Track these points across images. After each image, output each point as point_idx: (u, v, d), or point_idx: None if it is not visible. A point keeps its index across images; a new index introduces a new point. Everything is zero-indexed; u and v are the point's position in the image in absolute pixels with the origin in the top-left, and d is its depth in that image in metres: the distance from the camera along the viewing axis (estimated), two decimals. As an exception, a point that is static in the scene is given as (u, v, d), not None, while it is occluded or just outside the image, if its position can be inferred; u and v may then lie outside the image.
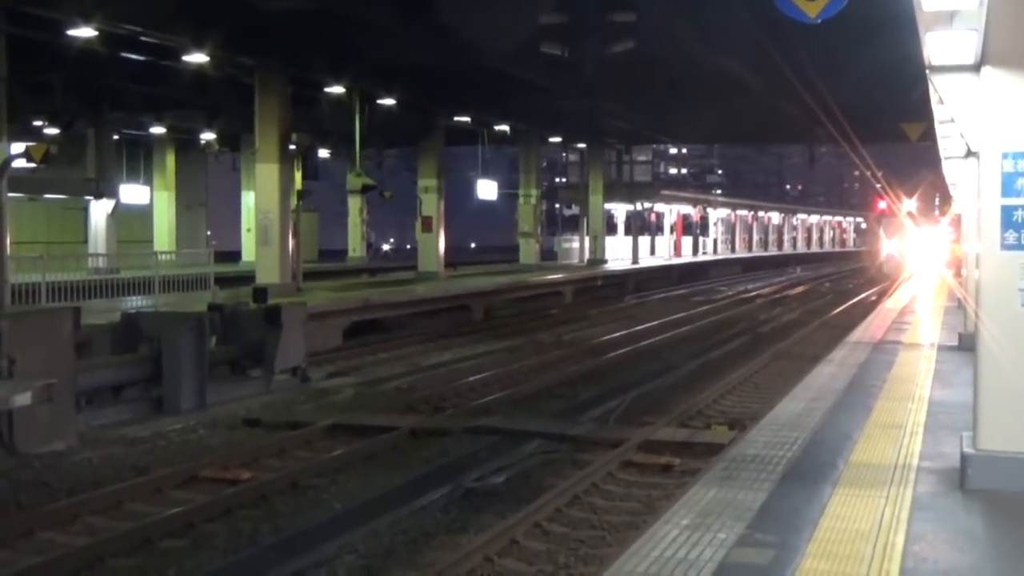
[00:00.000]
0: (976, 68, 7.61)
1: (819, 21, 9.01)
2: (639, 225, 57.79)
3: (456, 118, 39.57)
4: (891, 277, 47.89)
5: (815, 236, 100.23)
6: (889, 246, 54.84)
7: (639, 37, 22.11)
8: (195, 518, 10.62)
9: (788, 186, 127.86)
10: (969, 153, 11.49)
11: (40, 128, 34.26)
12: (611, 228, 57.36)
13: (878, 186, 51.42)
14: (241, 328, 19.20)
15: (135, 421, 15.81)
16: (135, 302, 23.44)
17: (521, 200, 48.63)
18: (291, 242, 27.75)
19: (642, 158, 59.93)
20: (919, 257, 47.88)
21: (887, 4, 8.53)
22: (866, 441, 9.24)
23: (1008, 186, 7.53)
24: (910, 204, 49.39)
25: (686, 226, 68.20)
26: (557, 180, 72.69)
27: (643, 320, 31.07)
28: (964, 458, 7.66)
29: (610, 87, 31.44)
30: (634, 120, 43.76)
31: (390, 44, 26.25)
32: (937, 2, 6.36)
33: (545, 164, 66.66)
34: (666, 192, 63.16)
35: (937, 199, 50.80)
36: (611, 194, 53.48)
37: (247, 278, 28.55)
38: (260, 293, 20.54)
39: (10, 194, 23.57)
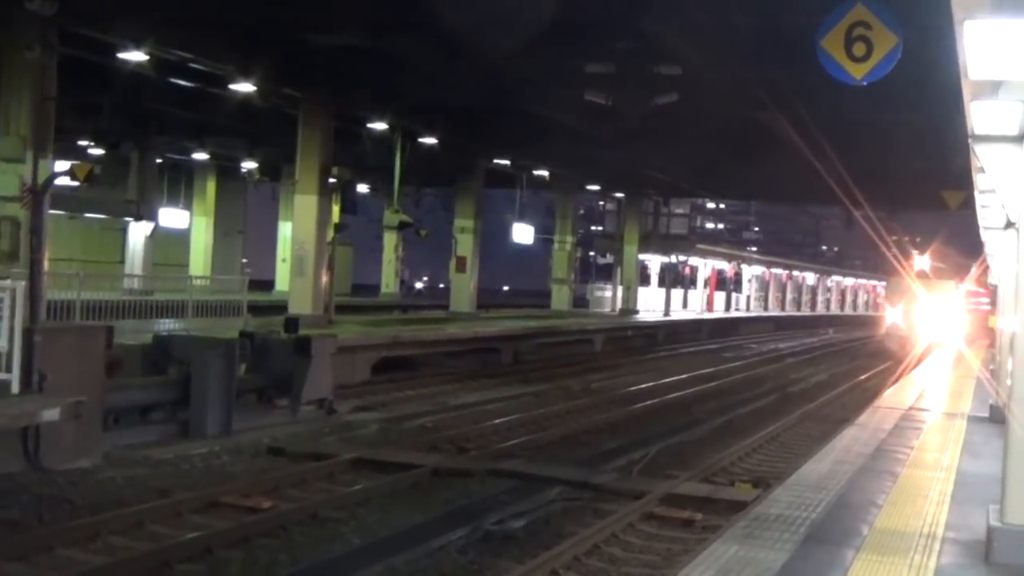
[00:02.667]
0: (1020, 139, 7.59)
1: (865, 83, 9.01)
2: (673, 277, 57.70)
3: (496, 160, 39.74)
4: (896, 354, 39.53)
5: (849, 298, 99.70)
6: (893, 314, 44.78)
7: (683, 90, 22.17)
8: (213, 544, 10.63)
9: (824, 247, 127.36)
10: (1009, 224, 11.43)
11: (85, 148, 34.67)
12: (644, 279, 57.27)
13: (886, 244, 42.57)
14: (271, 357, 19.27)
15: (160, 443, 15.87)
16: (168, 325, 23.54)
17: (556, 246, 48.67)
18: (325, 274, 27.83)
19: (679, 211, 59.94)
20: (932, 328, 41.11)
21: (931, 70, 8.52)
22: (891, 508, 9.15)
23: (1047, 259, 7.49)
24: (921, 263, 44.10)
25: (720, 281, 68.03)
26: (593, 228, 72.72)
27: (672, 372, 30.94)
28: (990, 531, 7.57)
29: (652, 138, 31.45)
30: (673, 173, 43.77)
31: (434, 83, 26.42)
32: (983, 72, 6.35)
33: (582, 211, 66.78)
34: (702, 246, 63.07)
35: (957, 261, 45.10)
36: (646, 245, 53.44)
37: (280, 307, 28.65)
38: (291, 323, 20.60)
39: (51, 211, 23.87)
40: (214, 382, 17.06)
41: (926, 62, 8.46)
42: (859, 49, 8.78)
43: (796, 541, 7.75)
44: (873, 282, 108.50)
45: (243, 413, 17.78)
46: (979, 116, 7.49)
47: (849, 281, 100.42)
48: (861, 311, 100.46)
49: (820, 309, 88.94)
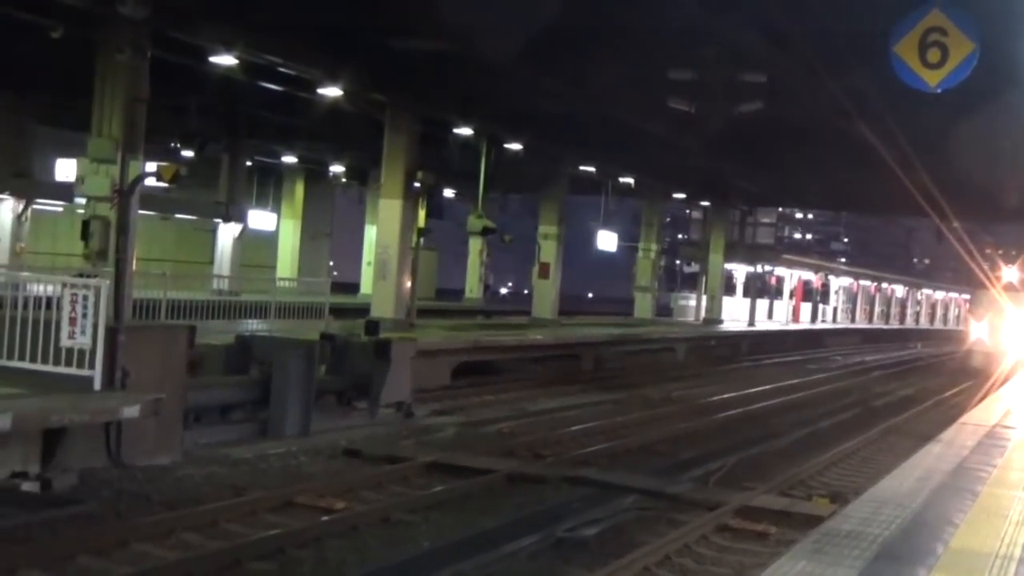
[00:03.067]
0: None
1: (939, 91, 8.83)
2: (758, 287, 57.15)
3: (581, 167, 39.71)
4: (980, 372, 37.07)
5: (939, 312, 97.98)
6: (978, 329, 42.10)
7: (768, 98, 21.97)
8: (286, 543, 10.72)
9: (915, 259, 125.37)
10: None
11: (178, 150, 35.31)
12: (730, 288, 56.82)
13: (971, 255, 40.43)
14: (351, 359, 19.41)
15: (239, 442, 16.06)
16: (252, 325, 23.85)
17: (640, 254, 48.48)
18: (407, 278, 28.00)
19: (766, 220, 59.46)
20: (1020, 344, 37.43)
21: (1015, 77, 8.33)
22: (968, 527, 8.94)
23: None
24: (1009, 274, 41.27)
25: (806, 292, 67.26)
26: (680, 236, 72.35)
27: (755, 383, 30.63)
28: (1069, 553, 7.37)
29: (737, 147, 31.26)
30: (760, 182, 43.42)
31: (520, 90, 26.48)
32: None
33: (669, 219, 66.42)
34: (788, 256, 62.43)
35: None
36: (732, 254, 53.01)
37: (364, 310, 28.87)
38: (372, 326, 20.74)
39: (143, 212, 24.33)
40: (293, 383, 17.23)
41: (1008, 69, 8.27)
42: (934, 55, 8.60)
43: (866, 559, 7.59)
44: (964, 295, 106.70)
45: (322, 414, 17.93)
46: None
47: (939, 294, 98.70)
48: (952, 325, 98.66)
49: (909, 322, 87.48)
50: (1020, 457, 13.14)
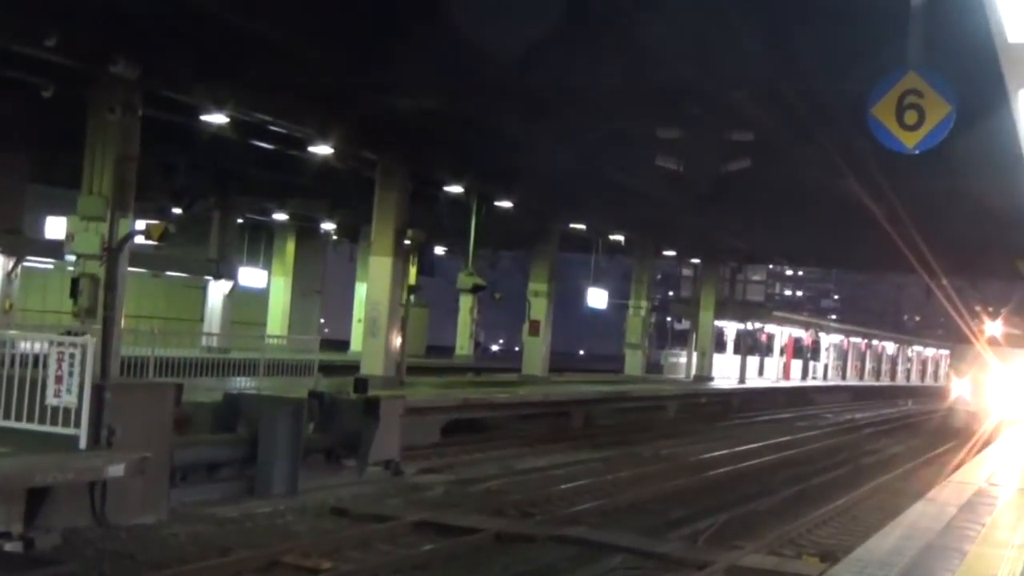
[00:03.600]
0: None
1: (917, 152, 8.91)
2: (749, 345, 57.16)
3: (571, 224, 39.85)
4: (962, 432, 35.51)
5: (929, 369, 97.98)
6: (959, 386, 40.47)
7: (756, 157, 22.13)
8: (271, 603, 10.64)
9: (906, 316, 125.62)
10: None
11: (170, 208, 35.37)
12: (720, 345, 56.82)
13: (955, 309, 38.31)
14: (339, 417, 19.35)
15: (226, 501, 15.96)
16: (240, 383, 23.79)
17: (631, 311, 48.50)
18: (397, 335, 27.97)
19: (756, 277, 59.48)
20: (1004, 403, 35.36)
21: (996, 138, 8.42)
22: (957, 586, 8.91)
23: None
24: (992, 328, 38.81)
25: (797, 349, 67.29)
26: (670, 293, 72.48)
27: (745, 441, 30.58)
28: (1057, 613, 7.34)
29: (726, 204, 31.41)
30: (750, 239, 43.58)
31: (511, 147, 26.62)
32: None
33: (659, 277, 66.56)
34: (778, 314, 62.60)
35: None
36: (722, 311, 53.05)
37: (354, 367, 28.80)
38: (361, 384, 20.70)
39: (133, 269, 24.34)
40: (281, 441, 17.16)
41: (990, 130, 8.37)
42: (911, 117, 8.70)
43: (854, 618, 7.56)
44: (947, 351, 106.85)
45: (310, 472, 17.84)
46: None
47: (930, 351, 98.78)
48: (943, 382, 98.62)
49: (900, 379, 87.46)
50: (1008, 516, 13.11)
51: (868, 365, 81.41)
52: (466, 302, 50.06)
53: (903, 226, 25.54)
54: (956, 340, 42.08)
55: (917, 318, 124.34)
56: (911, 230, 25.86)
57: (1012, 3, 4.17)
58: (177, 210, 34.98)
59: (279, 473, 17.06)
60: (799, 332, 66.80)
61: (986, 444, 24.68)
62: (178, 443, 15.29)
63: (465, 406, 26.56)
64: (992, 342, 37.71)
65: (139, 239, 18.16)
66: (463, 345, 51.95)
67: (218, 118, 22.62)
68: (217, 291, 38.38)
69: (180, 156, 29.54)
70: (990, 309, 41.33)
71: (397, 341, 28.03)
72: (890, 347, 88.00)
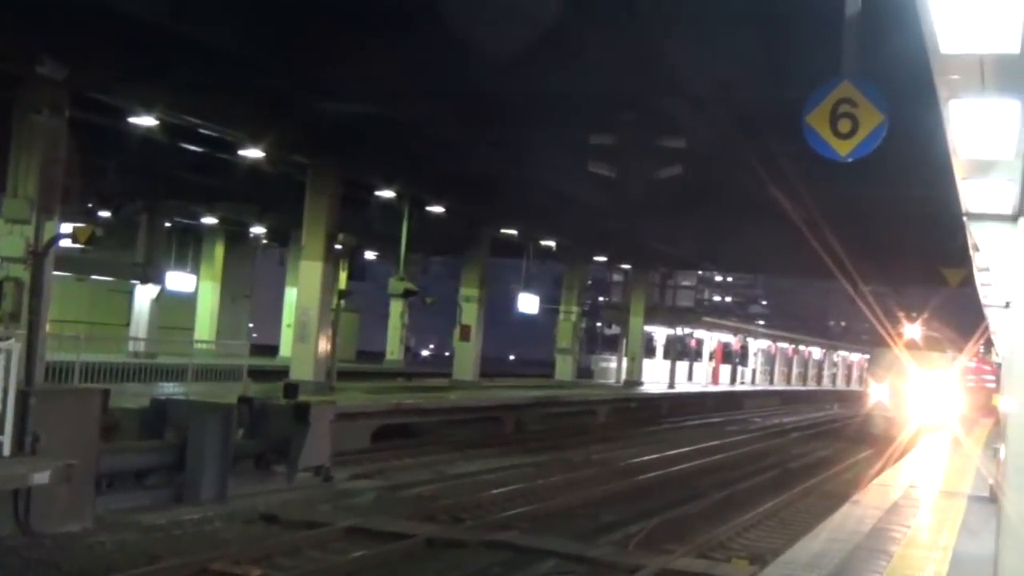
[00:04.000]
0: (1014, 218, 7.57)
1: (850, 160, 9.05)
2: (678, 350, 57.58)
3: (503, 230, 39.88)
4: (882, 437, 34.66)
5: (856, 373, 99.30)
6: (877, 391, 38.66)
7: (688, 163, 22.28)
8: (199, 612, 10.51)
9: (832, 321, 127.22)
10: (1008, 304, 11.39)
11: (97, 210, 34.86)
12: (650, 351, 57.17)
13: (872, 312, 37.15)
14: (269, 422, 19.20)
15: (153, 508, 15.75)
16: (168, 388, 23.52)
17: (561, 316, 48.65)
18: (328, 340, 27.80)
19: (686, 283, 59.99)
20: (924, 407, 35.18)
21: (926, 147, 8.56)
22: (884, 588, 9.03)
23: (1041, 340, 7.40)
24: (911, 331, 37.70)
25: (726, 354, 67.90)
26: (601, 298, 72.77)
27: (675, 445, 30.77)
28: (982, 614, 7.45)
29: (657, 211, 31.60)
30: (680, 245, 43.89)
31: (443, 153, 26.57)
32: (972, 151, 6.36)
33: (590, 282, 66.82)
34: (707, 319, 63.07)
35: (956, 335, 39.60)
36: (652, 317, 53.43)
37: (283, 372, 28.61)
38: (290, 389, 20.55)
39: (58, 273, 23.95)
40: (210, 447, 16.97)
41: (920, 138, 8.52)
42: (844, 126, 8.84)
43: (785, 621, 7.63)
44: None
45: (239, 479, 17.66)
46: (971, 195, 7.49)
47: (855, 356, 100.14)
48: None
49: (826, 383, 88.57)
50: (933, 518, 13.32)
51: (795, 370, 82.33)
52: (397, 307, 49.84)
53: (825, 232, 25.88)
54: (875, 344, 40.48)
55: (843, 323, 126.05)
56: (834, 236, 26.22)
57: (945, 14, 4.23)
58: (105, 213, 34.49)
59: (208, 480, 16.87)
60: (728, 337, 67.43)
61: (906, 451, 24.94)
62: (104, 450, 15.07)
63: (396, 411, 26.45)
64: (911, 346, 36.41)
65: (66, 242, 17.86)
66: (393, 350, 51.72)
67: (147, 120, 22.35)
68: (144, 295, 37.87)
69: (109, 159, 29.13)
70: (912, 314, 40.25)
71: (327, 346, 27.85)
72: (816, 352, 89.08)
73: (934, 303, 41.01)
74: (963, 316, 39.90)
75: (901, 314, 39.87)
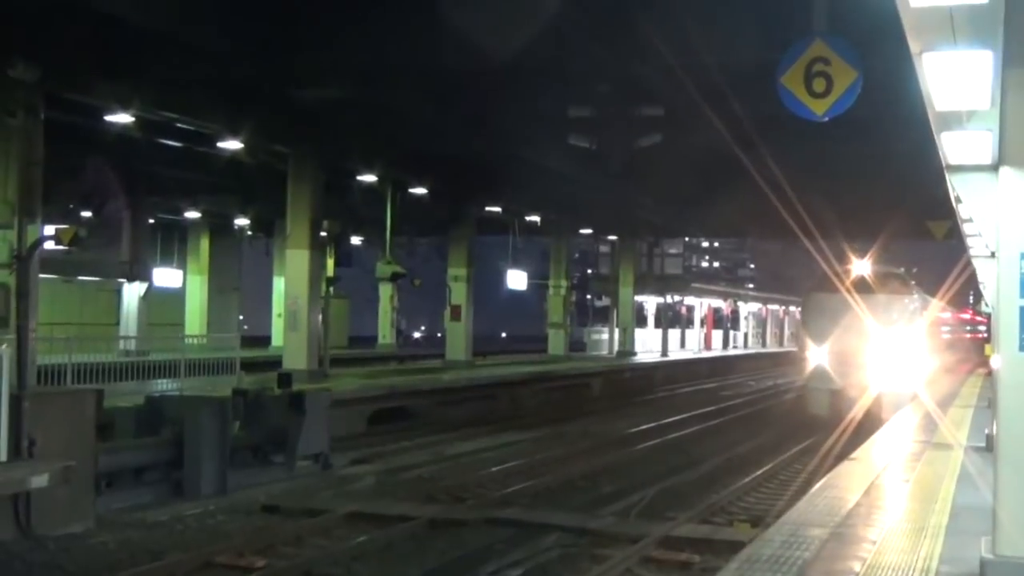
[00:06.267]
0: (994, 168, 7.57)
1: (826, 119, 9.08)
2: (669, 317, 57.66)
3: (487, 208, 39.87)
4: (823, 421, 26.34)
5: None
6: (817, 354, 27.62)
7: (667, 131, 22.30)
8: (206, 605, 10.54)
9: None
10: (993, 253, 11.42)
11: (78, 211, 34.74)
12: (641, 320, 57.21)
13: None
14: (265, 413, 19.19)
15: (155, 505, 15.76)
16: (162, 385, 23.49)
17: (551, 291, 48.68)
18: (319, 328, 27.79)
19: (673, 251, 60.08)
20: (883, 371, 26.16)
21: (903, 101, 8.57)
22: (885, 543, 9.07)
23: (1028, 287, 7.43)
24: (860, 267, 27.57)
25: (717, 319, 67.98)
26: (589, 271, 72.78)
27: (670, 413, 30.83)
28: (983, 563, 7.48)
29: (640, 180, 31.62)
30: (665, 213, 43.91)
31: (422, 133, 26.54)
32: (948, 103, 6.36)
33: (577, 255, 66.87)
34: (696, 285, 63.12)
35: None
36: (642, 286, 53.44)
37: (276, 363, 28.59)
38: (284, 379, 20.55)
39: (44, 275, 23.86)
40: (207, 441, 16.97)
41: (897, 93, 8.54)
42: (819, 85, 8.86)
43: (788, 581, 7.67)
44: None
45: (238, 471, 17.68)
46: (951, 146, 7.49)
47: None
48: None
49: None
50: (932, 470, 13.37)
51: (787, 331, 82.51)
52: (386, 291, 49.81)
53: (809, 192, 25.90)
54: (814, 289, 29.96)
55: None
56: (817, 196, 26.25)
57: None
58: (87, 213, 34.38)
59: (207, 473, 16.88)
60: (718, 303, 67.51)
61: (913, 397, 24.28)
62: (102, 449, 15.06)
63: (390, 395, 26.50)
64: (861, 285, 26.80)
65: (50, 244, 17.81)
66: (385, 334, 51.73)
67: (123, 118, 22.27)
68: (132, 293, 37.78)
69: (88, 158, 29.04)
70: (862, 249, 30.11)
71: (319, 333, 27.84)
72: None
73: (889, 232, 31.74)
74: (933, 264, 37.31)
75: (847, 247, 30.57)
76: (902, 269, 29.13)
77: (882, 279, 27.80)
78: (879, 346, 26.50)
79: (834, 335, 26.99)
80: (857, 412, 24.31)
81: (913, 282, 29.77)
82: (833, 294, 27.10)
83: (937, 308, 31.18)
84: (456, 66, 19.54)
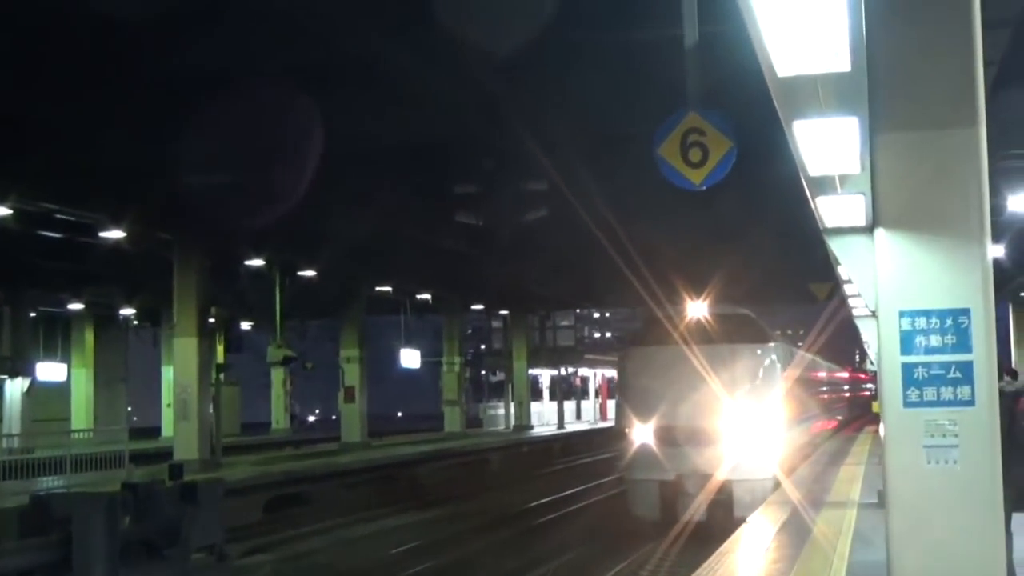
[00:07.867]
0: (869, 230, 7.78)
1: (704, 188, 9.29)
2: (564, 389, 57.82)
3: (378, 287, 39.73)
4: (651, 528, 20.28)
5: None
6: (642, 432, 20.64)
7: (552, 205, 22.48)
8: None
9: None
10: (874, 312, 11.69)
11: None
12: (537, 393, 57.34)
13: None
14: (156, 507, 18.62)
15: (42, 609, 15.19)
16: (49, 482, 22.82)
17: (445, 368, 48.55)
18: (210, 416, 27.32)
19: (565, 323, 60.34)
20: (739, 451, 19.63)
21: (778, 168, 8.80)
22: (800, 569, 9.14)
23: (907, 344, 7.62)
24: (696, 308, 21.02)
25: (611, 389, 68.34)
26: (483, 346, 72.79)
27: (570, 485, 30.86)
28: (881, 618, 7.56)
29: (528, 254, 31.80)
30: (555, 286, 44.16)
31: (309, 214, 26.37)
32: (821, 168, 6.54)
33: (470, 331, 66.88)
34: (590, 356, 63.49)
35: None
36: (535, 359, 53.60)
37: (167, 454, 27.99)
38: (176, 469, 20.04)
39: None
40: (97, 539, 16.41)
41: (772, 159, 8.76)
42: (695, 155, 9.08)
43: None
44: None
45: (130, 568, 17.08)
46: (826, 210, 7.69)
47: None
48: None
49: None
50: (827, 529, 13.52)
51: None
52: (278, 375, 49.30)
53: (693, 259, 26.28)
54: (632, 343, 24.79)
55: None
56: (702, 262, 26.66)
57: (777, 39, 4.35)
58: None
59: (97, 573, 16.33)
60: (612, 372, 67.89)
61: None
62: (-16, 553, 14.51)
63: (286, 481, 26.09)
64: (697, 335, 20.43)
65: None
66: (279, 419, 51.08)
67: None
68: (14, 389, 36.81)
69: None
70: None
71: (210, 422, 27.37)
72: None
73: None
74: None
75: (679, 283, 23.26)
76: (746, 311, 22.79)
77: (725, 323, 20.91)
78: (725, 417, 19.68)
79: (662, 405, 20.14)
80: (697, 511, 19.49)
81: (770, 330, 24.10)
82: (660, 347, 20.73)
83: (805, 361, 26.35)
84: (339, 145, 19.50)
